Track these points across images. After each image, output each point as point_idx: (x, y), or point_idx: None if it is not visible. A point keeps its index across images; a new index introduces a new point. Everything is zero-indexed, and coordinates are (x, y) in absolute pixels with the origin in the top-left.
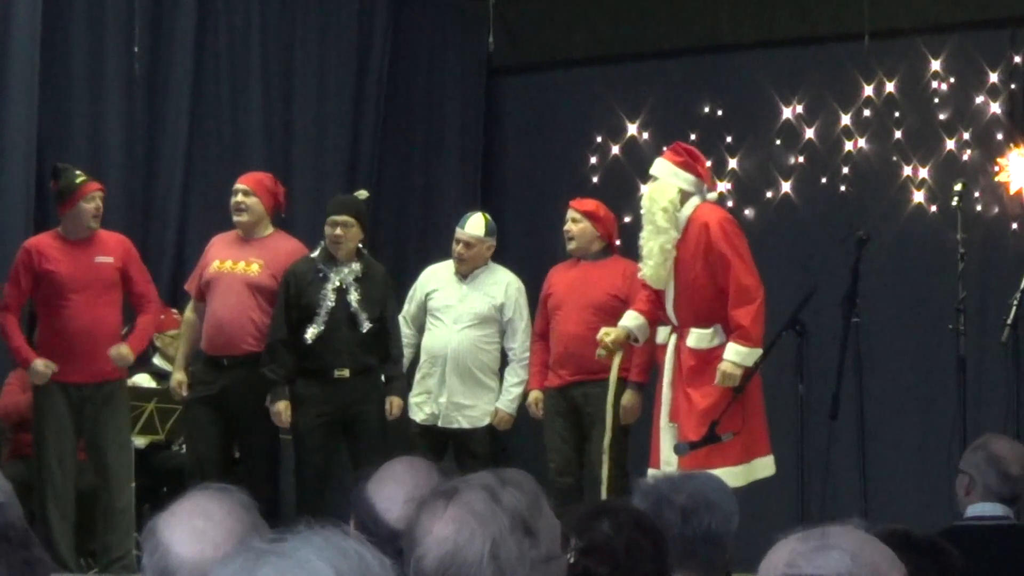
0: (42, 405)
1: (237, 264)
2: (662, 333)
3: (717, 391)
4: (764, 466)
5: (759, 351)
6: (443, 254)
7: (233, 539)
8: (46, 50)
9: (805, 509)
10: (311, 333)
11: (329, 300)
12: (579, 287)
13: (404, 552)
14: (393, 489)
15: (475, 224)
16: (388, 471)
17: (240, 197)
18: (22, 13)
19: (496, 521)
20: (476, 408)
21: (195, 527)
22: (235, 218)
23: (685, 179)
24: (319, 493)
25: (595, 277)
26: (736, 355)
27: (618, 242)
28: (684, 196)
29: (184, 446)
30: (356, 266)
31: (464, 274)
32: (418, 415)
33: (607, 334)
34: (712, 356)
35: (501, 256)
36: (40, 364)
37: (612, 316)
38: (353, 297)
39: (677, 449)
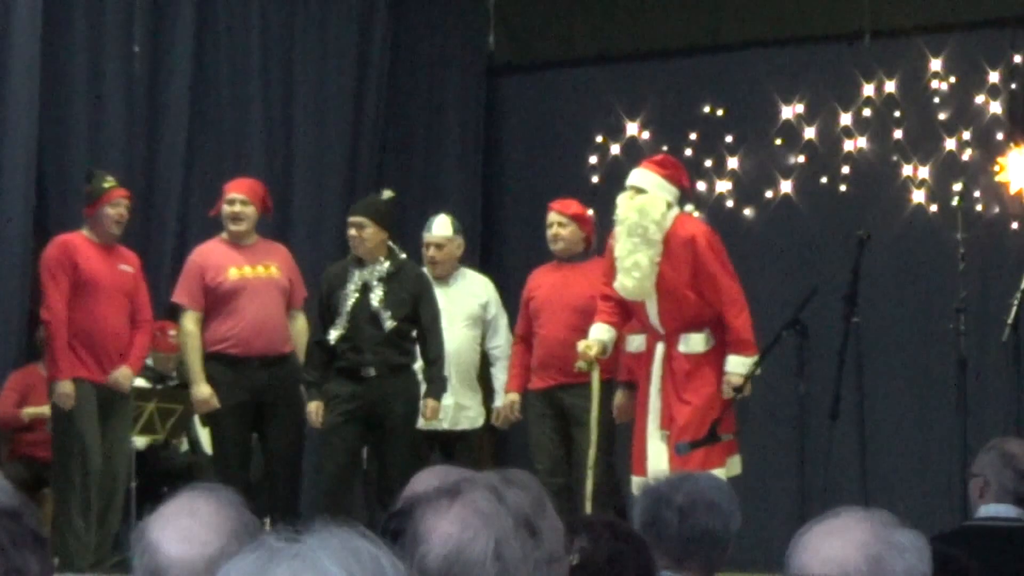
0: (77, 408)
1: (256, 269)
2: (635, 341)
3: (711, 389)
4: (736, 463)
5: (756, 358)
6: None
7: (221, 537)
8: (46, 50)
9: (805, 509)
10: (333, 334)
11: (350, 300)
12: (561, 289)
13: (408, 548)
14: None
15: (442, 225)
16: (417, 482)
17: (239, 207)
18: (23, 13)
19: (500, 520)
20: (472, 409)
21: (183, 526)
22: (232, 227)
23: (671, 192)
24: (340, 491)
25: (577, 279)
26: (742, 367)
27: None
28: (668, 208)
29: (186, 445)
30: (383, 266)
31: (439, 277)
32: (420, 420)
33: (589, 347)
34: (706, 360)
35: (501, 256)
36: (69, 387)
37: (592, 317)
38: (375, 296)
39: (679, 449)
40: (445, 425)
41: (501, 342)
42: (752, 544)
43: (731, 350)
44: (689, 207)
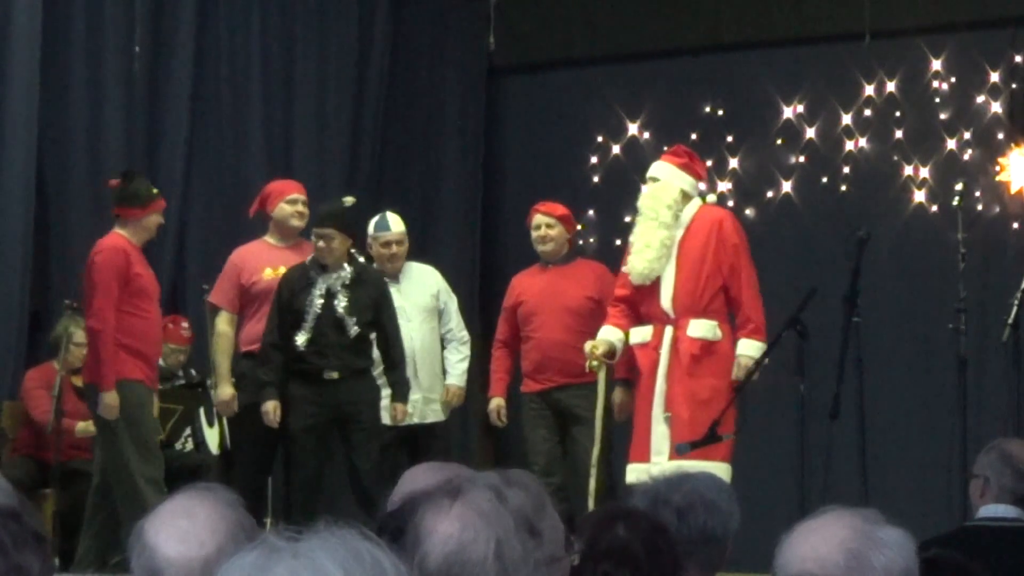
0: (139, 403)
1: None
2: (640, 333)
3: (716, 381)
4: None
5: (765, 346)
6: (442, 255)
7: (217, 537)
8: (46, 50)
9: (805, 509)
10: (301, 339)
11: (316, 306)
12: (553, 292)
13: (408, 548)
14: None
15: (396, 221)
16: (413, 473)
17: (301, 207)
18: (22, 13)
19: (501, 521)
20: (437, 402)
21: (179, 527)
22: (297, 223)
23: (686, 181)
24: (316, 491)
25: (568, 281)
26: (754, 350)
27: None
28: (684, 197)
29: (191, 445)
30: (346, 272)
31: (393, 274)
32: (387, 417)
33: (596, 347)
34: (714, 348)
35: (501, 256)
36: (115, 398)
37: (590, 318)
38: (340, 302)
39: (679, 449)
40: (415, 419)
41: (452, 325)
42: (752, 544)
43: (744, 334)
44: (712, 197)
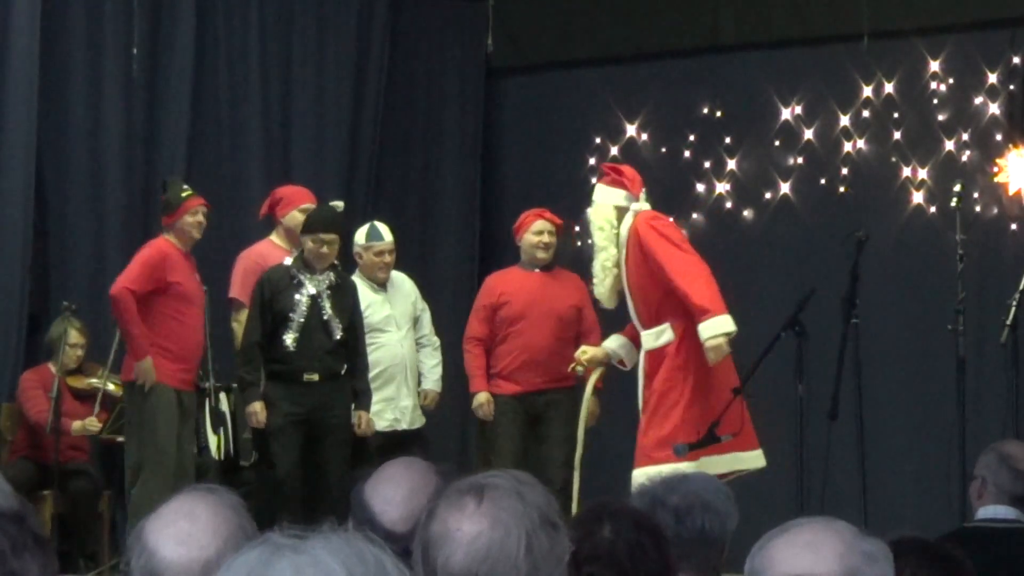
0: (157, 407)
1: None
2: None
3: (677, 414)
4: (750, 459)
5: (726, 316)
6: (441, 256)
7: (218, 540)
8: (45, 52)
9: (804, 509)
10: (290, 339)
11: (303, 307)
12: (543, 298)
13: (422, 552)
14: (391, 491)
15: (387, 231)
16: (386, 472)
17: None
18: (22, 15)
19: (528, 517)
20: (418, 408)
21: (180, 529)
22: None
23: (616, 195)
24: (295, 491)
25: (555, 288)
26: (712, 329)
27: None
28: (620, 212)
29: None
30: (331, 276)
31: (383, 283)
32: (380, 423)
33: (584, 352)
34: (662, 354)
35: (499, 258)
36: (151, 363)
37: (573, 325)
38: (327, 305)
39: (677, 450)
40: (403, 426)
41: (426, 331)
42: (751, 545)
43: (697, 320)
44: (638, 204)
